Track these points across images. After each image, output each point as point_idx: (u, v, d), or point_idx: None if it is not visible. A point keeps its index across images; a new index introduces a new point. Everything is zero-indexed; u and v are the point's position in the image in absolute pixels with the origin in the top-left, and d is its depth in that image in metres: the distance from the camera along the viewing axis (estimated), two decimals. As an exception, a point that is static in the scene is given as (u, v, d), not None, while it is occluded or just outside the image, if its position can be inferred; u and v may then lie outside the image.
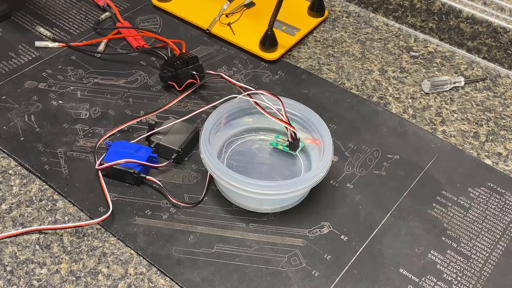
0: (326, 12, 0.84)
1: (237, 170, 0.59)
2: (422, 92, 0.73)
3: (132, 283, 0.52)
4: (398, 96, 0.72)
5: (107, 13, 0.82)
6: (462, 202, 0.60)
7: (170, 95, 0.70)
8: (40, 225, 0.56)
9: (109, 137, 0.63)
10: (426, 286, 0.53)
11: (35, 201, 0.58)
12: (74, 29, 0.80)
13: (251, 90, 0.61)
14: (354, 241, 0.56)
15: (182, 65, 0.68)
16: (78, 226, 0.56)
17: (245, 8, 0.82)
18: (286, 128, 0.60)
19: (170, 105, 0.64)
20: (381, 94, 0.72)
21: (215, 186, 0.60)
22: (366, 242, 0.56)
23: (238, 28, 0.79)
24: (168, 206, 0.58)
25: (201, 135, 0.57)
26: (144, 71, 0.73)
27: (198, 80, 0.69)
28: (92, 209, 0.57)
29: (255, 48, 0.76)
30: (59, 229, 0.55)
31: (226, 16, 0.81)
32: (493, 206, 0.60)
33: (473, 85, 0.75)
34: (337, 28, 0.83)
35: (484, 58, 0.79)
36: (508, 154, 0.66)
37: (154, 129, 0.62)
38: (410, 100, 0.72)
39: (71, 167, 0.61)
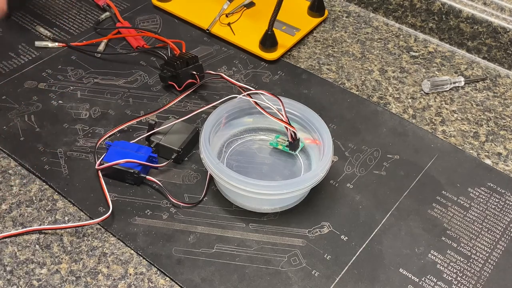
0: (326, 12, 0.84)
1: (237, 170, 0.59)
2: (422, 92, 0.73)
3: (132, 283, 0.52)
4: (398, 96, 0.72)
5: (107, 13, 0.82)
6: (462, 202, 0.60)
7: (170, 95, 0.70)
8: (40, 225, 0.56)
9: (109, 137, 0.63)
10: (426, 286, 0.53)
11: (35, 201, 0.58)
12: (74, 29, 0.80)
13: (251, 90, 0.61)
14: (354, 241, 0.56)
15: (182, 65, 0.68)
16: (78, 226, 0.56)
17: (245, 8, 0.82)
18: (286, 128, 0.60)
19: (170, 105, 0.64)
20: (381, 94, 0.72)
21: (215, 186, 0.60)
22: (366, 242, 0.56)
23: (238, 28, 0.79)
24: (168, 206, 0.58)
25: (201, 135, 0.57)
26: (144, 71, 0.73)
27: (198, 80, 0.69)
28: (92, 209, 0.57)
29: (255, 48, 0.76)
30: (59, 229, 0.55)
31: (226, 16, 0.81)
32: (493, 206, 0.60)
33: (473, 85, 0.75)
34: (337, 28, 0.83)
35: (484, 58, 0.79)
36: (508, 154, 0.66)
37: (154, 129, 0.62)
38: (410, 100, 0.72)
39: (71, 167, 0.61)
